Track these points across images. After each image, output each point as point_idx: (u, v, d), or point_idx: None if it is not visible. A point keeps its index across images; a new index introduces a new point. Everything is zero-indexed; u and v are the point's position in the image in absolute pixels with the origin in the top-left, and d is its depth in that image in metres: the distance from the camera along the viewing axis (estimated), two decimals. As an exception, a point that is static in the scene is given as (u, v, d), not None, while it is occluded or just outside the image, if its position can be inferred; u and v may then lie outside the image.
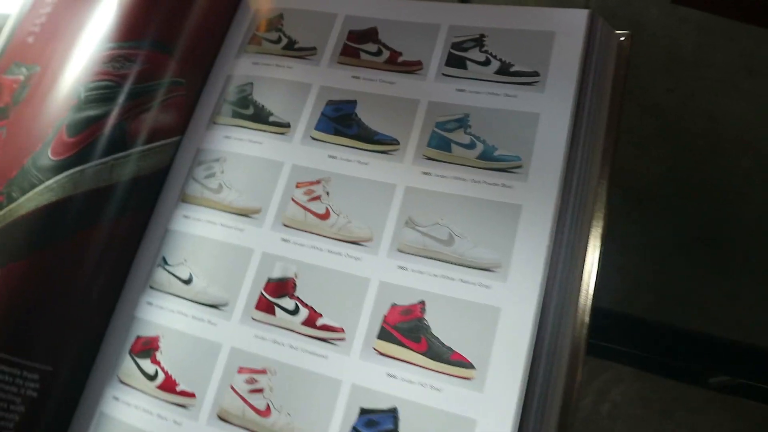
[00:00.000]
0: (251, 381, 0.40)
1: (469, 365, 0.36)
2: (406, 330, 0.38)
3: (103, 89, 0.45)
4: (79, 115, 0.45)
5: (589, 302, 0.38)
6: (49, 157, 0.44)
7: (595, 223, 0.39)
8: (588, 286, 0.38)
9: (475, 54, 0.44)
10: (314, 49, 0.47)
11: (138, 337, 0.42)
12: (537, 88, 0.41)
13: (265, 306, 0.41)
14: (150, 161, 0.45)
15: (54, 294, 0.42)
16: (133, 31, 0.47)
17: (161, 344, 0.41)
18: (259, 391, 0.39)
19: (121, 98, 0.45)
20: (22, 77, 0.50)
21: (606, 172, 0.40)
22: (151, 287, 0.43)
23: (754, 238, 0.46)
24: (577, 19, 0.42)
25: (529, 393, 0.36)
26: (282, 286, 0.41)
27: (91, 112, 0.45)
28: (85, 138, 0.44)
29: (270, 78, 0.47)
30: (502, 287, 0.38)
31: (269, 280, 0.41)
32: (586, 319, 0.38)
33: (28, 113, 0.47)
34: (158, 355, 0.41)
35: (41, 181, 0.44)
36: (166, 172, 0.46)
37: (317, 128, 0.44)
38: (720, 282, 0.45)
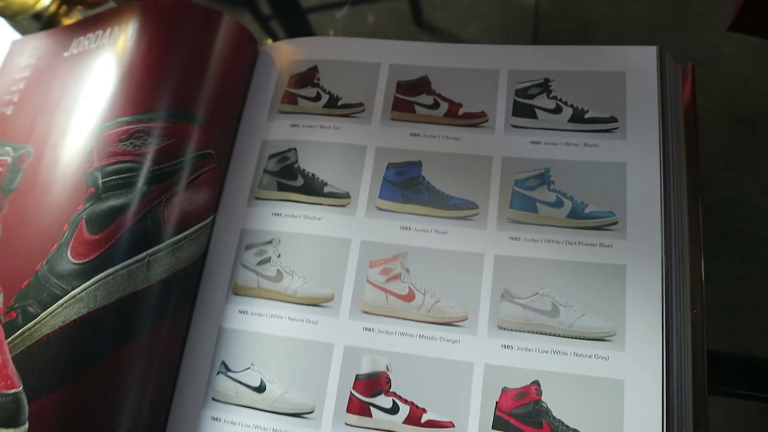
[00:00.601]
0: (357, 496, 0.35)
1: (601, 448, 0.34)
2: (524, 416, 0.35)
3: (125, 173, 0.39)
4: (100, 206, 0.38)
5: (705, 356, 0.37)
6: (69, 260, 0.37)
7: (695, 268, 0.38)
8: (701, 342, 0.37)
9: (543, 101, 0.41)
10: (361, 105, 0.42)
11: (209, 462, 0.37)
12: (618, 134, 0.39)
13: (358, 408, 0.36)
14: (187, 251, 0.39)
15: (95, 428, 0.36)
16: (148, 99, 0.40)
17: (241, 467, 0.36)
18: (369, 506, 0.35)
19: (148, 182, 0.39)
20: (8, 159, 0.42)
21: (695, 215, 0.39)
22: (215, 399, 0.38)
23: None
24: (647, 55, 0.41)
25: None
26: (374, 383, 0.37)
27: (115, 202, 0.38)
28: (112, 233, 0.38)
29: (316, 142, 0.42)
30: (621, 357, 0.35)
31: (358, 378, 0.37)
32: (705, 376, 0.36)
33: (30, 206, 0.40)
34: (239, 480, 0.36)
35: (65, 291, 0.37)
36: (203, 260, 0.41)
37: (382, 197, 0.40)
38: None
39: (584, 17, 0.54)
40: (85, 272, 0.37)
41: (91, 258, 0.37)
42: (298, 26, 0.45)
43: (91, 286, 0.37)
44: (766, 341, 0.45)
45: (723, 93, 0.50)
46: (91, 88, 0.42)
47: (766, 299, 0.47)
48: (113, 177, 0.39)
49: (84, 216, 0.38)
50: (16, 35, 0.58)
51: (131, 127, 0.40)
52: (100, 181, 0.39)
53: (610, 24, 0.53)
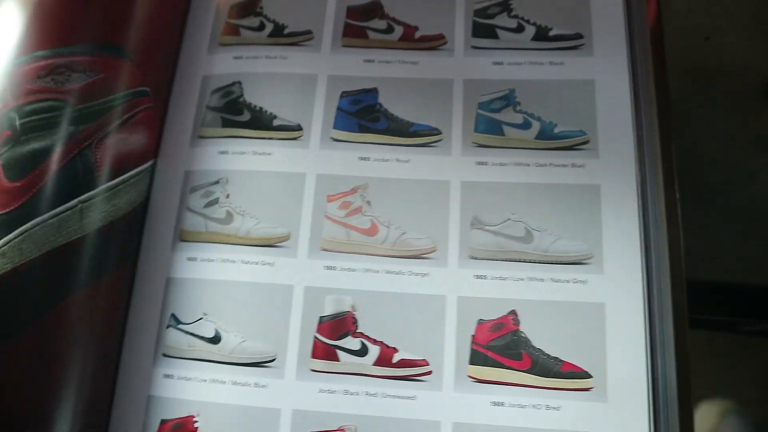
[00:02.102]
0: (327, 446, 0.33)
1: (584, 374, 0.33)
2: (502, 347, 0.33)
3: (47, 112, 0.35)
4: (19, 150, 0.34)
5: (684, 274, 0.35)
6: (-13, 210, 0.34)
7: (669, 185, 0.36)
8: (681, 258, 0.35)
9: (504, 20, 0.39)
10: (309, 32, 0.40)
11: (163, 422, 0.34)
12: (584, 51, 0.38)
13: (324, 352, 0.34)
14: (125, 197, 0.36)
15: (31, 394, 0.32)
16: (69, 31, 0.37)
17: (199, 424, 0.33)
18: (341, 455, 0.33)
19: (74, 121, 0.35)
20: None
21: (667, 132, 0.38)
22: (165, 355, 0.35)
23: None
24: (608, -32, 0.39)
25: (656, 393, 0.32)
26: (340, 324, 0.34)
27: (37, 145, 0.34)
28: (36, 179, 0.34)
29: (262, 73, 0.39)
30: (600, 279, 0.34)
31: (322, 320, 0.34)
32: (684, 294, 0.35)
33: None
34: (197, 440, 0.33)
35: (-15, 245, 0.33)
36: (144, 207, 0.37)
37: (337, 127, 0.37)
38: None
39: None
40: (7, 223, 0.33)
41: (12, 208, 0.33)
42: None
43: (15, 238, 0.33)
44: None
45: (676, 48, 0.49)
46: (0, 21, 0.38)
47: (723, 248, 0.47)
48: (33, 117, 0.35)
49: (1, 162, 0.34)
50: None
51: (50, 61, 0.36)
52: (17, 122, 0.35)
53: None
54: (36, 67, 0.36)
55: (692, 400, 0.33)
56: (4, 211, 0.33)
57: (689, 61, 0.48)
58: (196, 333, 0.35)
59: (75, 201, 0.34)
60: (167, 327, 0.35)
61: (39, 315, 0.33)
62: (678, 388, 0.33)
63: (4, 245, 0.33)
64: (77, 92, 0.36)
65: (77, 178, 0.35)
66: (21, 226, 0.33)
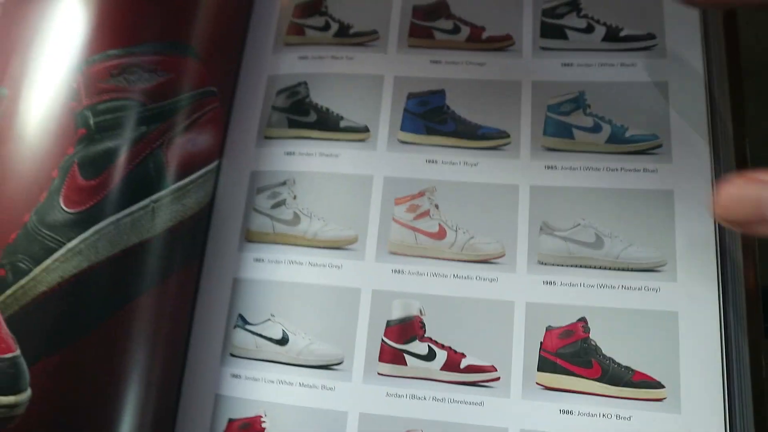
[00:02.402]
0: (395, 449, 0.33)
1: (656, 384, 0.32)
2: (572, 355, 0.33)
3: (120, 111, 0.35)
4: (94, 148, 0.35)
5: (760, 283, 0.35)
6: (63, 209, 0.34)
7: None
8: (755, 267, 0.35)
9: (574, 20, 0.38)
10: (375, 32, 0.39)
11: (230, 421, 0.34)
12: (657, 52, 0.37)
13: (391, 356, 0.34)
14: (194, 197, 0.36)
15: (101, 392, 0.33)
16: (139, 30, 0.37)
17: (266, 425, 0.34)
18: (408, 459, 0.33)
19: (146, 121, 0.35)
20: (-17, 108, 0.39)
21: (741, 134, 0.37)
22: (233, 355, 0.35)
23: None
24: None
25: (731, 404, 0.32)
26: (407, 328, 0.34)
27: (111, 144, 0.35)
28: (110, 178, 0.34)
29: (328, 74, 0.39)
30: (673, 287, 0.33)
31: (389, 323, 0.34)
32: (760, 305, 0.34)
33: (8, 153, 0.36)
34: (265, 440, 0.33)
35: (61, 243, 0.34)
36: (210, 208, 0.38)
37: (404, 129, 0.37)
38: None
39: None
40: (83, 222, 0.34)
41: (88, 206, 0.34)
42: None
43: (90, 236, 0.34)
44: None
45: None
46: (69, 18, 0.38)
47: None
48: (107, 116, 0.35)
49: (76, 160, 0.35)
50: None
51: (123, 60, 0.36)
52: (91, 121, 0.35)
53: None
54: (109, 66, 0.36)
55: (769, 412, 0.32)
56: (80, 209, 0.34)
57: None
58: (264, 334, 0.35)
59: (147, 200, 0.35)
60: (234, 327, 0.35)
61: (112, 313, 0.33)
62: (753, 400, 0.33)
63: (80, 243, 0.34)
64: (149, 91, 0.36)
65: (149, 178, 0.35)
66: (96, 224, 0.34)
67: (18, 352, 0.33)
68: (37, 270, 0.34)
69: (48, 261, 0.34)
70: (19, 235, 0.35)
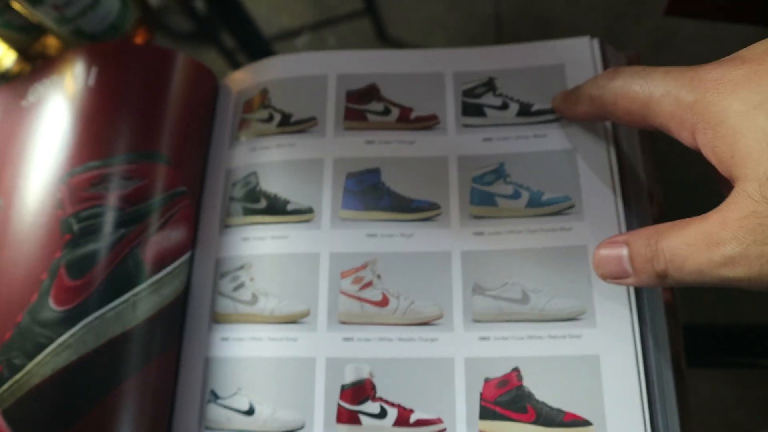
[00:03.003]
0: (355, 503, 0.37)
1: (585, 422, 0.36)
2: (508, 402, 0.37)
3: (101, 216, 0.41)
4: (79, 251, 0.40)
5: (679, 321, 0.39)
6: (52, 308, 0.39)
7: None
8: (675, 307, 0.39)
9: (490, 99, 0.43)
10: (313, 119, 0.45)
11: (208, 489, 0.38)
12: (564, 123, 0.42)
13: (347, 417, 0.38)
14: (170, 287, 0.41)
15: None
16: (114, 143, 0.42)
17: (239, 490, 0.38)
18: None
19: (124, 224, 0.41)
20: (-22, 220, 0.44)
21: (653, 188, 0.41)
22: (208, 428, 0.39)
23: None
24: (582, 47, 0.43)
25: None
26: (360, 390, 0.38)
27: (94, 246, 0.40)
28: (94, 277, 0.39)
29: (274, 162, 0.44)
30: (593, 333, 0.37)
31: (344, 387, 0.39)
32: (681, 340, 0.38)
33: (3, 259, 0.42)
34: (239, 504, 0.37)
35: (51, 339, 0.38)
36: (185, 295, 0.42)
37: (345, 207, 0.42)
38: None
39: (543, 16, 0.56)
40: (71, 318, 0.39)
41: (75, 304, 0.39)
42: (262, 56, 0.46)
43: (78, 331, 0.39)
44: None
45: None
46: (53, 135, 0.44)
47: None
48: (89, 221, 0.40)
49: (63, 263, 0.40)
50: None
51: (101, 171, 0.42)
52: (75, 227, 0.40)
53: (568, 19, 0.55)
54: (90, 177, 0.42)
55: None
56: (68, 307, 0.39)
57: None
58: (233, 407, 0.39)
59: (128, 294, 0.40)
60: (208, 402, 0.40)
61: (100, 398, 0.38)
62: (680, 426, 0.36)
63: (69, 337, 0.38)
64: (125, 197, 0.41)
65: (129, 274, 0.40)
66: (83, 319, 0.39)
67: (15, 442, 0.37)
68: (30, 365, 0.38)
69: (41, 356, 0.38)
70: (13, 334, 0.40)
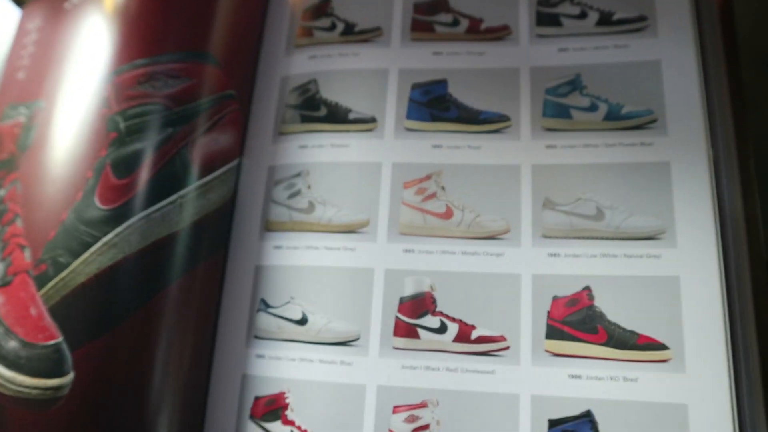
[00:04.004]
0: (412, 419, 0.35)
1: (661, 346, 0.34)
2: (578, 322, 0.35)
3: (148, 115, 0.39)
4: (125, 150, 0.39)
5: (764, 248, 0.36)
6: (98, 206, 0.38)
7: (745, 160, 0.38)
8: (757, 230, 0.37)
9: (567, 8, 0.41)
10: (379, 29, 0.43)
11: (257, 399, 0.37)
12: (649, 32, 0.40)
13: (405, 330, 0.37)
14: (217, 192, 0.40)
15: (138, 374, 0.36)
16: (162, 41, 0.41)
17: (289, 400, 0.37)
18: (425, 428, 0.35)
19: (172, 123, 0.39)
20: (23, 119, 0.43)
21: (741, 105, 0.39)
22: (257, 337, 0.38)
23: None
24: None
25: (736, 361, 0.34)
26: (420, 304, 0.37)
27: (140, 145, 0.39)
28: (139, 177, 0.38)
29: (336, 71, 0.42)
30: (674, 253, 0.35)
31: (402, 300, 0.37)
32: (765, 268, 0.36)
33: (47, 158, 0.41)
34: (289, 414, 0.36)
35: (96, 238, 0.38)
36: (232, 201, 0.41)
37: (409, 117, 0.41)
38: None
39: None
40: (116, 217, 0.38)
41: (120, 203, 0.38)
42: None
43: (124, 230, 0.38)
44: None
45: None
46: (99, 35, 0.43)
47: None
48: (136, 120, 0.39)
49: (109, 161, 0.39)
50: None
51: (149, 69, 0.40)
52: (122, 125, 0.39)
53: None
54: (136, 74, 0.41)
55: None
56: (113, 206, 0.38)
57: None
58: (285, 316, 0.38)
59: (175, 196, 0.39)
60: (258, 311, 0.39)
61: (145, 301, 0.37)
62: (760, 356, 0.34)
63: (114, 237, 0.37)
64: (173, 96, 0.40)
65: (176, 175, 0.39)
66: (129, 219, 0.38)
67: (61, 339, 0.36)
68: (75, 263, 0.38)
69: (85, 254, 0.38)
70: (58, 232, 0.39)
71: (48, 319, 0.37)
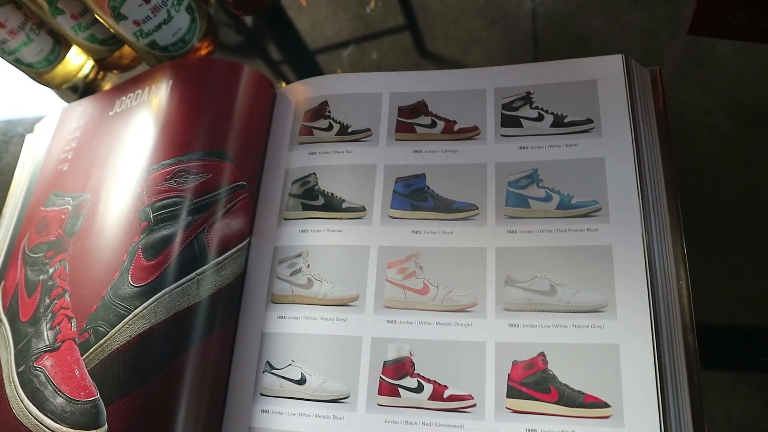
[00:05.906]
0: (393, 466, 0.43)
1: (604, 404, 0.42)
2: (534, 383, 0.43)
3: (172, 207, 0.49)
4: (153, 236, 0.48)
5: (693, 318, 0.44)
6: (130, 284, 0.47)
7: (676, 243, 0.46)
8: (688, 303, 0.44)
9: (527, 111, 0.50)
10: (369, 130, 0.52)
11: (262, 448, 0.45)
12: (595, 133, 0.48)
13: (388, 390, 0.45)
14: (230, 269, 0.49)
15: (161, 425, 0.44)
16: (186, 143, 0.51)
17: (290, 450, 0.44)
18: (404, 474, 0.43)
19: (192, 212, 0.49)
20: (69, 207, 0.53)
21: (674, 196, 0.47)
22: (262, 394, 0.46)
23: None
24: (614, 63, 0.50)
25: (665, 416, 0.41)
26: (401, 367, 0.45)
27: (166, 232, 0.48)
28: (165, 258, 0.47)
29: (332, 165, 0.52)
30: (614, 324, 0.43)
31: (386, 363, 0.45)
32: (694, 335, 0.44)
33: (92, 243, 0.50)
34: (289, 462, 0.44)
35: (129, 311, 0.46)
36: (243, 277, 0.50)
37: (393, 207, 0.49)
38: None
39: (581, 33, 0.60)
40: (145, 293, 0.47)
41: (149, 281, 0.47)
42: (308, 67, 0.54)
43: (151, 304, 0.46)
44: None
45: (725, 90, 0.54)
46: (136, 139, 0.53)
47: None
48: (162, 211, 0.48)
49: (140, 246, 0.48)
50: (60, 103, 0.70)
51: (174, 167, 0.50)
52: (151, 216, 0.48)
53: (606, 37, 0.59)
54: (164, 173, 0.50)
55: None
56: (143, 284, 0.47)
57: (740, 101, 0.52)
58: (286, 376, 0.46)
59: (193, 274, 0.47)
60: (263, 372, 0.47)
61: (168, 362, 0.45)
62: (692, 410, 0.42)
63: (143, 309, 0.46)
64: (194, 190, 0.49)
65: (195, 256, 0.48)
66: (155, 294, 0.46)
67: (98, 396, 0.45)
68: (112, 332, 0.46)
69: (120, 324, 0.46)
70: (98, 306, 0.48)
71: (89, 379, 0.46)
